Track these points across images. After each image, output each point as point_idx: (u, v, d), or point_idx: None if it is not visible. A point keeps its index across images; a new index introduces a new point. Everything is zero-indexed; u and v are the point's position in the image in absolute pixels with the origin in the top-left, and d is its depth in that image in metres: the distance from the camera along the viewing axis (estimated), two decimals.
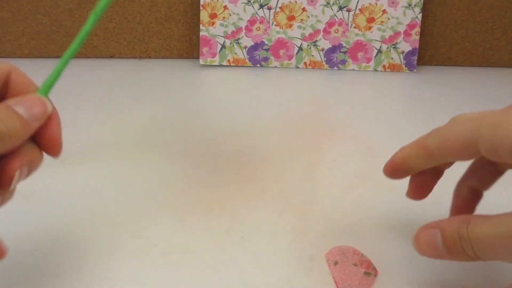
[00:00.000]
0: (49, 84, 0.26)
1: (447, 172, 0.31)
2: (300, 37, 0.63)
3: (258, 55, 0.64)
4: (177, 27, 0.65)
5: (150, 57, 0.67)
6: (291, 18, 0.63)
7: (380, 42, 0.63)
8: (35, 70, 0.69)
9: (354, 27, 0.63)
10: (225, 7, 0.62)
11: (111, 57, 0.67)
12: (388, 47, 0.64)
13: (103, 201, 0.36)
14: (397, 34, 0.63)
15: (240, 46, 0.64)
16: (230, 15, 0.62)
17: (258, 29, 0.63)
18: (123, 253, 0.31)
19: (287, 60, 0.64)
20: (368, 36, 0.63)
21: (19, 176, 0.23)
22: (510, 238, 0.21)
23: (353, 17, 0.63)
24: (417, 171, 0.29)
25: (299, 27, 0.63)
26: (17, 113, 0.22)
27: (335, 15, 0.63)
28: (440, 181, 0.31)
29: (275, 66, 0.64)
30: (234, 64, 0.64)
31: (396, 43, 0.63)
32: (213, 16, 0.62)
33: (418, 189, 0.31)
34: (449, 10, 0.64)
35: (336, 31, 0.63)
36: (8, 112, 0.22)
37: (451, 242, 0.24)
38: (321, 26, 0.63)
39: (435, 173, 0.30)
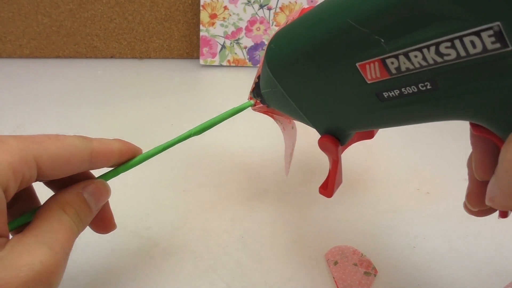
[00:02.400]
0: (126, 167, 0.28)
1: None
2: None
3: (258, 55, 0.64)
4: (177, 27, 0.66)
5: (150, 57, 0.67)
6: None
7: None
8: (35, 70, 0.69)
9: None
10: (225, 8, 0.62)
11: (111, 57, 0.67)
12: None
13: None
14: None
15: (240, 46, 0.64)
16: (230, 15, 0.62)
17: (258, 29, 0.63)
18: (125, 253, 0.31)
19: None
20: None
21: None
22: None
23: None
24: None
25: None
26: (90, 208, 0.24)
27: None
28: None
29: None
30: (234, 64, 0.64)
31: None
32: (213, 16, 0.63)
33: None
34: None
35: None
36: (85, 208, 0.24)
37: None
38: None
39: None
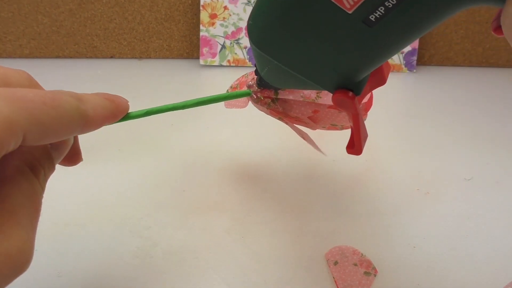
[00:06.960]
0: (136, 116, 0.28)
1: None
2: None
3: None
4: (177, 27, 0.66)
5: (150, 57, 0.67)
6: None
7: None
8: (35, 70, 0.69)
9: None
10: (225, 8, 0.62)
11: (111, 57, 0.67)
12: None
13: (104, 201, 0.36)
14: None
15: (240, 46, 0.64)
16: (230, 15, 0.62)
17: None
18: (125, 253, 0.31)
19: None
20: None
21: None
22: None
23: None
24: None
25: None
26: (54, 167, 0.22)
27: None
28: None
29: None
30: (234, 64, 0.64)
31: None
32: (213, 16, 0.63)
33: None
34: None
35: None
36: (51, 167, 0.22)
37: None
38: None
39: None
